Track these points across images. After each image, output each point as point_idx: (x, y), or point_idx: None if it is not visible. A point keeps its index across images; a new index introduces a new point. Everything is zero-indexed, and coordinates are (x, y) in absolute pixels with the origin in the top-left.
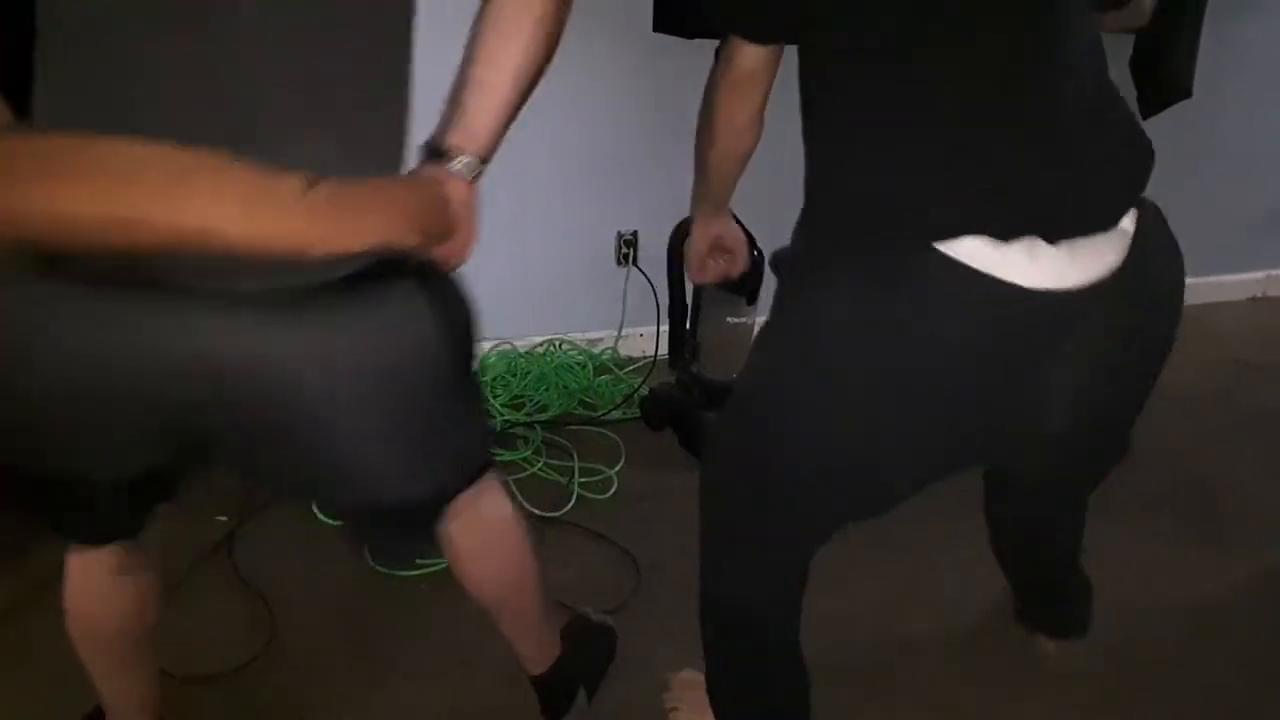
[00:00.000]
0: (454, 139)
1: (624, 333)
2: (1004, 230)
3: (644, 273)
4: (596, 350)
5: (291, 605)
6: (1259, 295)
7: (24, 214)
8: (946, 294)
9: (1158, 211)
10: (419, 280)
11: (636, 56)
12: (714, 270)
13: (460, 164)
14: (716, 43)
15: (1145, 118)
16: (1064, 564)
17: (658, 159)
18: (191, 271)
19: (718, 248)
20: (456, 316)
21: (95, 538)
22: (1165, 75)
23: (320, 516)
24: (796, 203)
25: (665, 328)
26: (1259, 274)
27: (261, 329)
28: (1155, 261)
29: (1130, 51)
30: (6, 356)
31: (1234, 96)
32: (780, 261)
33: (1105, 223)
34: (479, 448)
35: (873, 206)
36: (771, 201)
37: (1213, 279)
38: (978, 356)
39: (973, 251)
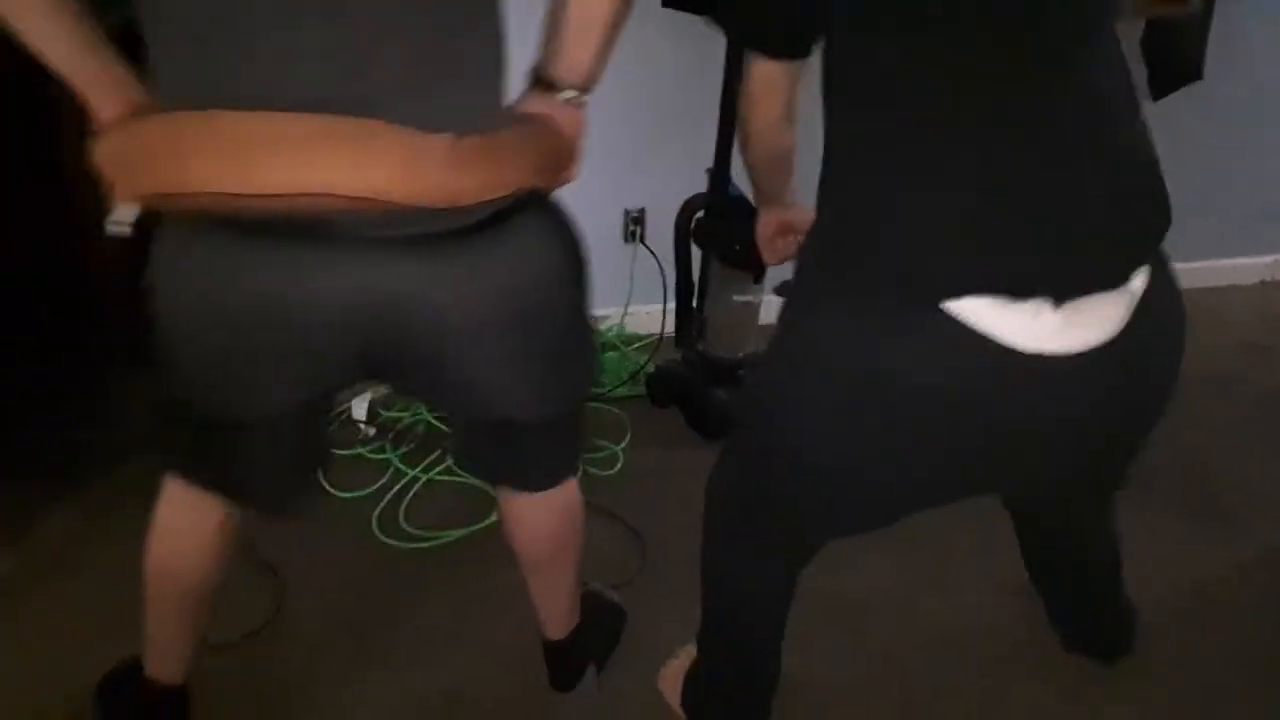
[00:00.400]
0: (559, 72)
1: (630, 310)
2: (1012, 290)
3: (651, 250)
4: (603, 327)
5: (298, 579)
6: (1268, 279)
7: (214, 181)
8: (944, 351)
9: (1166, 264)
10: (543, 214)
11: (644, 34)
12: (783, 250)
13: (567, 95)
14: None
15: (1156, 99)
16: (1101, 586)
17: (666, 136)
18: (351, 221)
19: (784, 231)
20: (576, 245)
21: (268, 496)
22: (1176, 57)
23: (329, 490)
24: (809, 181)
25: (672, 305)
26: (1267, 258)
27: (418, 268)
28: (1158, 321)
29: (1141, 32)
30: (195, 303)
31: (1243, 79)
32: (786, 289)
33: (1114, 281)
34: (594, 371)
35: (883, 247)
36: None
37: (1221, 263)
38: (967, 410)
39: (976, 311)
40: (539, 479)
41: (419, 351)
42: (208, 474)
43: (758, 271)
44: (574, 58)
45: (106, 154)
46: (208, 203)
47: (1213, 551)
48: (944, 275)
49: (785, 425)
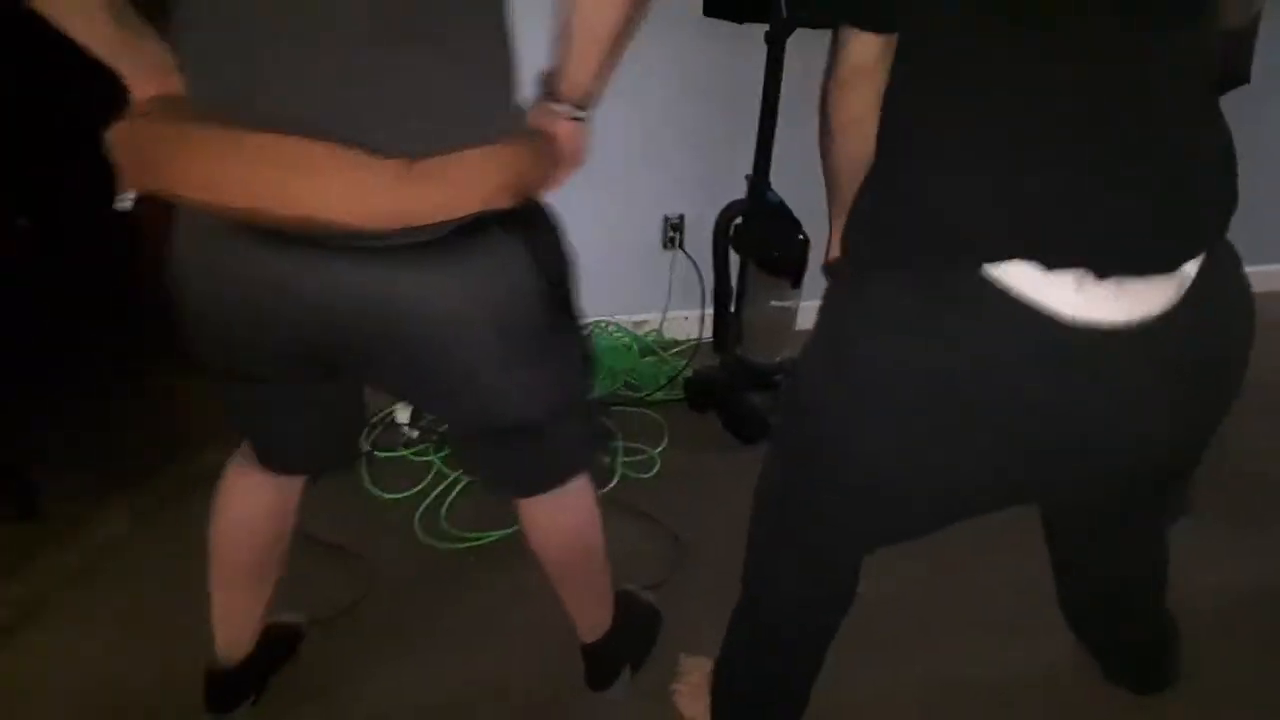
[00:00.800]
0: (561, 87)
1: (669, 315)
2: (1054, 259)
3: (690, 256)
4: (642, 332)
5: (342, 576)
6: None
7: (190, 187)
8: (989, 317)
9: (1232, 256)
10: (516, 231)
11: (685, 40)
12: None
13: (567, 107)
14: (765, 28)
15: None
16: (1146, 615)
17: (704, 143)
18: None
19: None
20: (550, 261)
21: (296, 459)
22: (1224, 61)
23: (370, 488)
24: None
25: (710, 311)
26: None
27: (388, 274)
28: (1214, 307)
29: None
30: (196, 280)
31: None
32: (831, 269)
33: (1163, 266)
34: (579, 378)
35: (928, 216)
36: (818, 184)
37: (1260, 269)
38: (1015, 379)
39: (1019, 277)
40: (522, 484)
41: (385, 355)
42: (239, 422)
43: (795, 277)
44: (574, 76)
45: (116, 141)
46: (189, 203)
47: (1248, 556)
48: (983, 238)
49: (832, 415)
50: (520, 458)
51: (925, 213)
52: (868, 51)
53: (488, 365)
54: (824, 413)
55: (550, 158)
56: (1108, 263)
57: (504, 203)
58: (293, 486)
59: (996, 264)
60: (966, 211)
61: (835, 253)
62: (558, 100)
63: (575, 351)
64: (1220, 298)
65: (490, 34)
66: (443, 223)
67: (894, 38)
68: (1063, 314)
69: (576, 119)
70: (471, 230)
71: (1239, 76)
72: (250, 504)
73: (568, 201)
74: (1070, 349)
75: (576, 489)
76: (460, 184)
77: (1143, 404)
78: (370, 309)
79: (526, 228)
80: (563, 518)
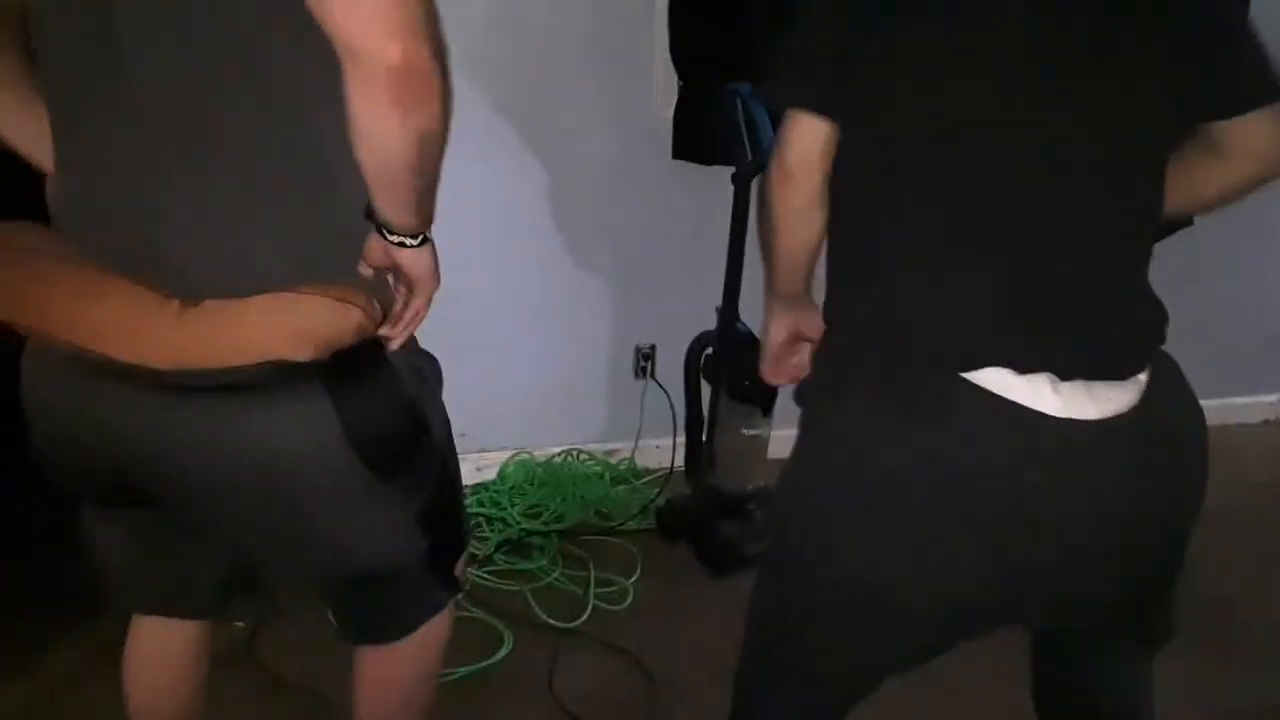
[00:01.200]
0: (382, 221)
1: (641, 444)
2: (1023, 363)
3: (661, 385)
4: (614, 461)
5: (304, 712)
6: (1272, 418)
7: (11, 311)
8: (975, 422)
9: (1177, 370)
10: (324, 380)
11: (656, 180)
12: (793, 369)
13: (399, 238)
14: (732, 169)
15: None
16: None
17: (676, 276)
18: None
19: (796, 339)
20: (367, 413)
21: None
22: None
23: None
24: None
25: (682, 439)
26: (1272, 396)
27: (181, 412)
28: (1171, 411)
29: None
30: (27, 393)
31: (1243, 214)
32: (803, 391)
33: (1118, 373)
34: (424, 528)
35: (899, 330)
36: None
37: (1225, 401)
38: (1011, 473)
39: (998, 381)
40: (365, 634)
41: (172, 495)
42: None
43: (766, 405)
44: (388, 213)
45: None
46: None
47: (1222, 689)
48: (964, 348)
49: (814, 531)
50: (359, 607)
51: (900, 326)
52: (816, 142)
53: (287, 517)
54: (814, 526)
55: (388, 297)
56: (1071, 367)
57: (300, 353)
58: (181, 636)
59: (973, 371)
60: (940, 323)
61: (774, 335)
62: (385, 233)
63: (410, 502)
64: (1174, 399)
65: (329, 143)
66: (247, 365)
67: (835, 130)
68: (1048, 412)
69: (412, 246)
70: (280, 375)
71: (1182, 220)
72: (142, 659)
73: (540, 331)
74: (1060, 443)
75: (420, 641)
76: (240, 333)
77: (1129, 491)
78: (163, 447)
79: (337, 378)
80: (395, 668)
